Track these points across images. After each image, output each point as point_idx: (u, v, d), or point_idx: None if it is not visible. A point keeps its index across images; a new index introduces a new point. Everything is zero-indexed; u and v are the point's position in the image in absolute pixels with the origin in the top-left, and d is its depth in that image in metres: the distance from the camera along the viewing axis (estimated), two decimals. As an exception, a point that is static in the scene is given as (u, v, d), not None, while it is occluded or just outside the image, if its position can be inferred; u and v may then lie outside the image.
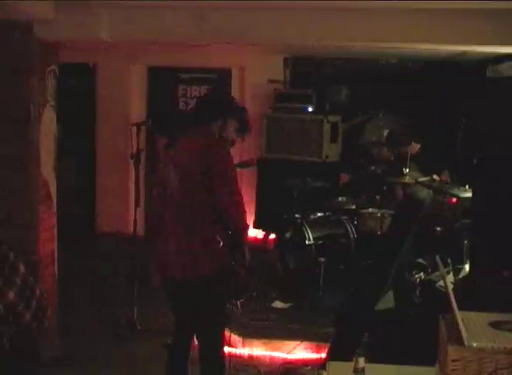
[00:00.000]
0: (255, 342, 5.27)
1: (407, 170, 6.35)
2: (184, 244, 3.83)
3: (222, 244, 3.82)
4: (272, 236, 7.19)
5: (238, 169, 4.32)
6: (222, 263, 3.85)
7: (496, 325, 2.69)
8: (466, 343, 2.48)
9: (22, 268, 2.54)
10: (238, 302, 4.73)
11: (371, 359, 2.72)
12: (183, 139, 3.97)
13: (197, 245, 3.80)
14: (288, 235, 6.54)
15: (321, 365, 4.78)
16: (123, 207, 8.50)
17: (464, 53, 6.32)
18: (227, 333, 5.21)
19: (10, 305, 2.47)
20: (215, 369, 3.97)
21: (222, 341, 4.01)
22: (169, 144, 4.04)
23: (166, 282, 4.03)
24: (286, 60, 8.23)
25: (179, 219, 3.86)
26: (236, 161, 4.50)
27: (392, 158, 7.02)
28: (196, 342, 4.08)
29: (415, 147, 6.63)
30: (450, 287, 2.96)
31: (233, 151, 4.10)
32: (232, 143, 4.14)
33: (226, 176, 3.77)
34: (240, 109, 4.19)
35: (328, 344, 4.95)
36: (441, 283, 5.03)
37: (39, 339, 2.67)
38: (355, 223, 6.64)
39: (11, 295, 2.47)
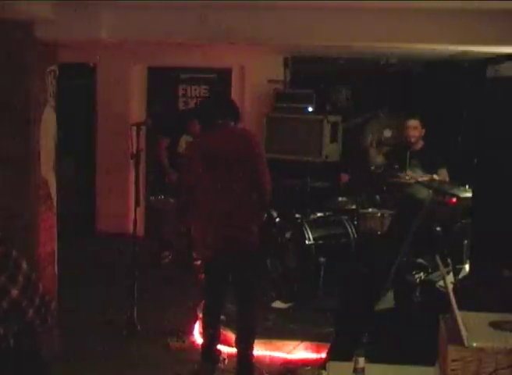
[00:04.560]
0: (255, 342, 5.26)
1: (407, 170, 6.36)
2: (237, 220, 4.55)
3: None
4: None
5: None
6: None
7: (496, 325, 2.69)
8: (466, 343, 2.48)
9: (24, 265, 2.54)
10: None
11: (371, 359, 2.72)
12: (216, 133, 4.65)
13: (248, 219, 4.60)
14: (288, 235, 6.53)
15: (321, 365, 4.78)
16: (123, 207, 8.50)
17: (464, 53, 6.32)
18: (227, 333, 5.24)
19: (14, 302, 2.47)
20: (255, 321, 4.81)
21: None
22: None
23: (216, 255, 4.65)
24: (286, 60, 8.23)
25: (229, 200, 4.54)
26: None
27: (387, 160, 7.00)
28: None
29: (420, 142, 6.63)
30: (450, 287, 2.96)
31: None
32: None
33: (264, 158, 4.69)
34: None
35: (328, 344, 4.95)
36: (441, 283, 5.02)
37: (41, 336, 2.66)
38: (355, 223, 6.63)
39: (14, 293, 2.47)
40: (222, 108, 4.75)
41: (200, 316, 5.52)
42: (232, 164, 4.56)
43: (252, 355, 4.77)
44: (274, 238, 6.39)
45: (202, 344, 4.93)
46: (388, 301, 5.20)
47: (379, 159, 7.25)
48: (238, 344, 4.78)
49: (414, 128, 6.59)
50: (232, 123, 4.71)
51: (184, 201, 4.99)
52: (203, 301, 4.99)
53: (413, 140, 6.59)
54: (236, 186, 4.56)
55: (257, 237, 4.66)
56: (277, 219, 6.50)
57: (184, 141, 7.26)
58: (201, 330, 5.06)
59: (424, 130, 6.62)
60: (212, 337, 4.82)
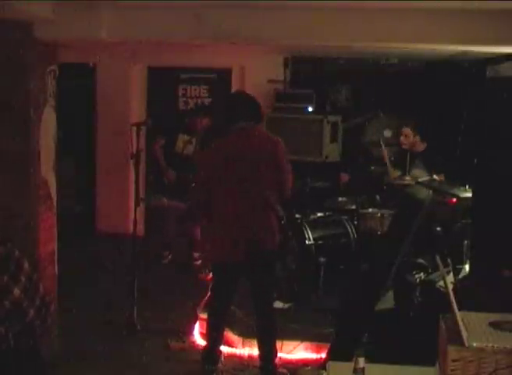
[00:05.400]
0: (255, 342, 5.26)
1: (409, 171, 6.36)
2: (260, 220, 4.60)
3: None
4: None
5: None
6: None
7: (496, 325, 2.69)
8: (466, 343, 2.48)
9: (26, 265, 2.55)
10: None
11: (371, 359, 2.72)
12: (241, 134, 4.59)
13: (271, 220, 4.65)
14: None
15: (321, 365, 4.78)
16: (123, 207, 8.50)
17: (464, 53, 6.32)
18: (227, 333, 5.24)
19: (16, 301, 2.48)
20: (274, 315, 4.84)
21: None
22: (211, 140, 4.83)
23: (232, 257, 4.59)
24: (286, 60, 8.23)
25: (250, 202, 4.55)
26: None
27: (393, 159, 7.01)
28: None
29: (421, 145, 6.65)
30: (450, 287, 2.96)
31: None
32: None
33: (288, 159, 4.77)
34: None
35: (328, 344, 4.95)
36: (441, 283, 5.02)
37: (41, 337, 2.67)
38: (355, 223, 6.63)
39: (16, 292, 2.48)
40: (249, 110, 4.64)
41: (201, 316, 5.52)
42: (258, 167, 4.56)
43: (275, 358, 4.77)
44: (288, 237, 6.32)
45: (205, 346, 4.92)
46: (388, 301, 5.19)
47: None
48: (260, 347, 4.76)
49: (406, 136, 6.68)
50: (253, 124, 4.63)
51: (197, 200, 4.90)
52: (203, 301, 4.99)
53: (404, 146, 6.68)
54: (258, 188, 4.57)
55: (277, 237, 4.71)
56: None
57: (181, 140, 7.26)
58: (205, 332, 5.03)
59: (417, 137, 6.64)
60: (216, 339, 4.80)
